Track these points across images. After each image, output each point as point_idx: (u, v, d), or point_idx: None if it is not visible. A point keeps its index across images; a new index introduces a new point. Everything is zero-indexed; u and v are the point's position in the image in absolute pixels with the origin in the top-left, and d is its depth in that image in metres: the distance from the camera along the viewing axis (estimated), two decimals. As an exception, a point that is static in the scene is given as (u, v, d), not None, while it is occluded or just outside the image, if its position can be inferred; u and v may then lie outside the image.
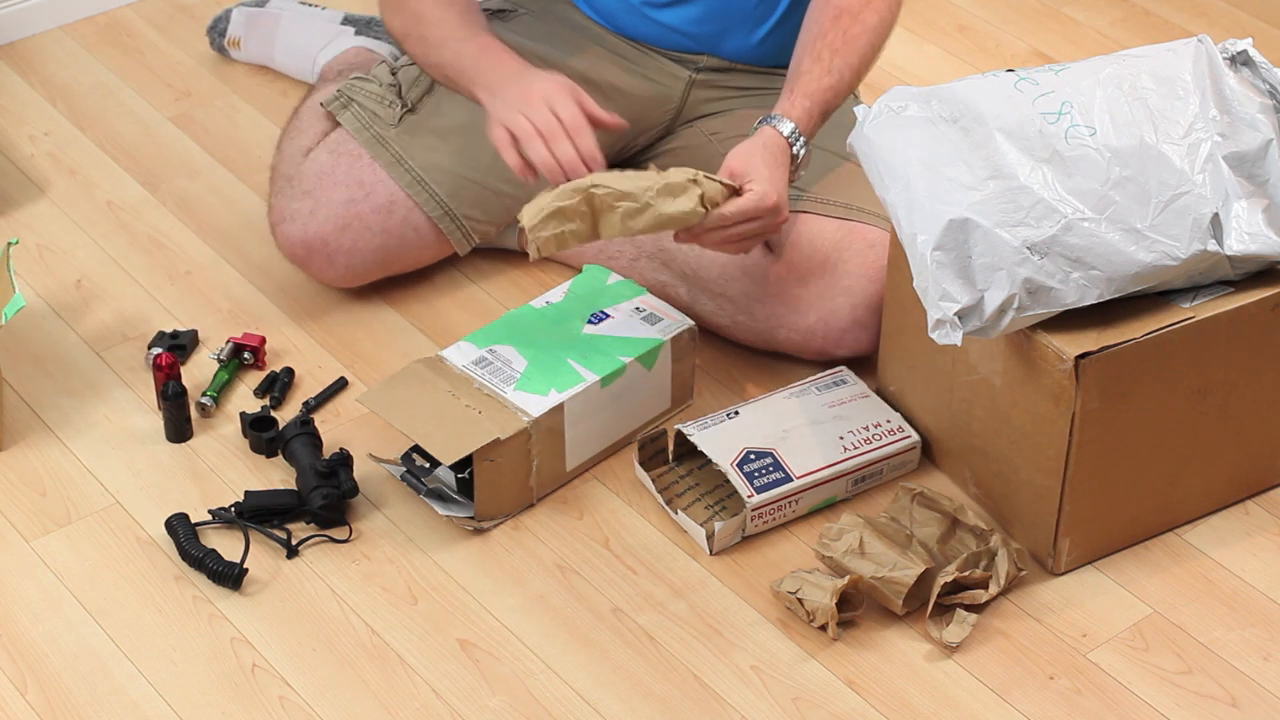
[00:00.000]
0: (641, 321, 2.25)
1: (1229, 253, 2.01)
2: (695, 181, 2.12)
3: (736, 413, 2.21)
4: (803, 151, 2.21)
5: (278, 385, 2.33)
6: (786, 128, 2.20)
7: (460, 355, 2.21)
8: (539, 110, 2.19)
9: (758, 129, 2.21)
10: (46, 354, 2.39)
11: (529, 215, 2.11)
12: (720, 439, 2.17)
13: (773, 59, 2.44)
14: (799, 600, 2.04)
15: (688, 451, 2.23)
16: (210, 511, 2.16)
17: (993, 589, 2.05)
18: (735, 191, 2.15)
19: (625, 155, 2.52)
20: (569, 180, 2.15)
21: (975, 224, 1.96)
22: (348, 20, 2.84)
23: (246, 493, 2.17)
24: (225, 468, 2.24)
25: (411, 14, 2.35)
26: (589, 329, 2.24)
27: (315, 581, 2.11)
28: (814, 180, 2.33)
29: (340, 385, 2.34)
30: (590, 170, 2.17)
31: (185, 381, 2.33)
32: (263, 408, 2.29)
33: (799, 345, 2.32)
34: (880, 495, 2.21)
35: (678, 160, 2.45)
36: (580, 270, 2.37)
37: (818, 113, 2.23)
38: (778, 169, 2.17)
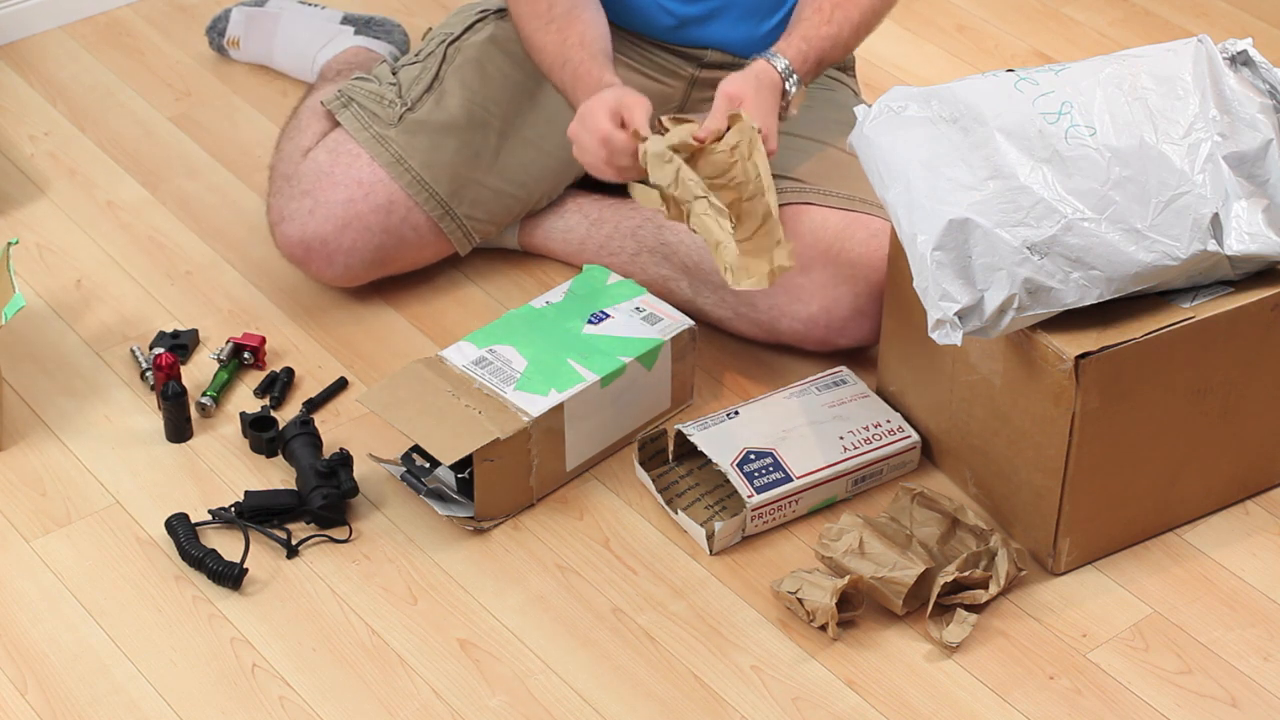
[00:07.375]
0: (641, 321, 2.25)
1: (1229, 253, 2.01)
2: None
3: (736, 413, 2.21)
4: (795, 89, 2.23)
5: (278, 385, 2.33)
6: (780, 63, 2.23)
7: (460, 355, 2.21)
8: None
9: (751, 62, 2.24)
10: (46, 354, 2.39)
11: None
12: (720, 439, 2.17)
13: (775, 54, 2.45)
14: (799, 600, 2.04)
15: (688, 451, 2.23)
16: (210, 511, 2.16)
17: (993, 589, 2.05)
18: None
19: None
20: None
21: (975, 224, 1.96)
22: (347, 20, 2.84)
23: (246, 493, 2.17)
24: (225, 468, 2.24)
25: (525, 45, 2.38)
26: (589, 329, 2.24)
27: (315, 581, 2.11)
28: (816, 173, 2.33)
29: (340, 385, 2.34)
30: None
31: (185, 381, 2.33)
32: (263, 408, 2.29)
33: (801, 335, 2.31)
34: (880, 495, 2.21)
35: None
36: (580, 270, 2.37)
37: (813, 56, 2.26)
38: (765, 99, 2.21)
